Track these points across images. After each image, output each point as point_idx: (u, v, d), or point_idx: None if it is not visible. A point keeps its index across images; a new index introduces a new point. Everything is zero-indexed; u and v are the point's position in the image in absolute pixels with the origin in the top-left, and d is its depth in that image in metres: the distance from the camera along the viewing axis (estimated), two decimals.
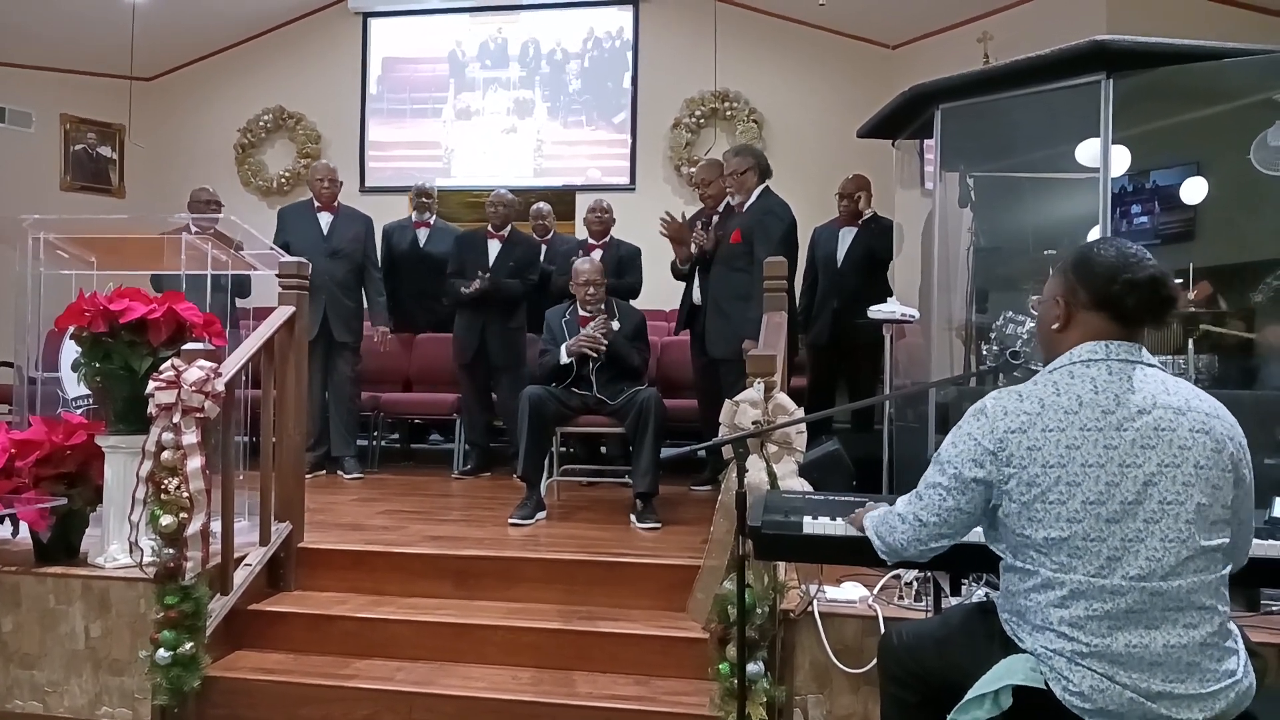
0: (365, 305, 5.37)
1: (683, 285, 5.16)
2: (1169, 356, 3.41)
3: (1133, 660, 1.50)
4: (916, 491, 1.75)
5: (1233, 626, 1.60)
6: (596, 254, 5.21)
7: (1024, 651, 1.60)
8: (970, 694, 1.60)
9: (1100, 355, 1.62)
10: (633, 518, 3.89)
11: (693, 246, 4.60)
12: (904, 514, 1.75)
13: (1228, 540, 1.58)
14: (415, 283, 5.79)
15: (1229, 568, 1.60)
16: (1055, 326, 1.70)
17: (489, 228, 5.40)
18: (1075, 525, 1.54)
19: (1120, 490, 1.53)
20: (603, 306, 4.35)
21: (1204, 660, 1.51)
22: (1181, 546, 1.52)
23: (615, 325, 4.29)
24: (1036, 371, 1.72)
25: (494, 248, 5.33)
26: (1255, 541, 1.75)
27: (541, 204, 5.95)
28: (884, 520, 1.80)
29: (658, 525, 3.80)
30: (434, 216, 6.02)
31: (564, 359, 4.20)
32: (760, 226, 4.24)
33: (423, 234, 5.92)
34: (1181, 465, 1.54)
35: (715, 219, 4.71)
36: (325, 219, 5.23)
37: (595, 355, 4.18)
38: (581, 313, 4.32)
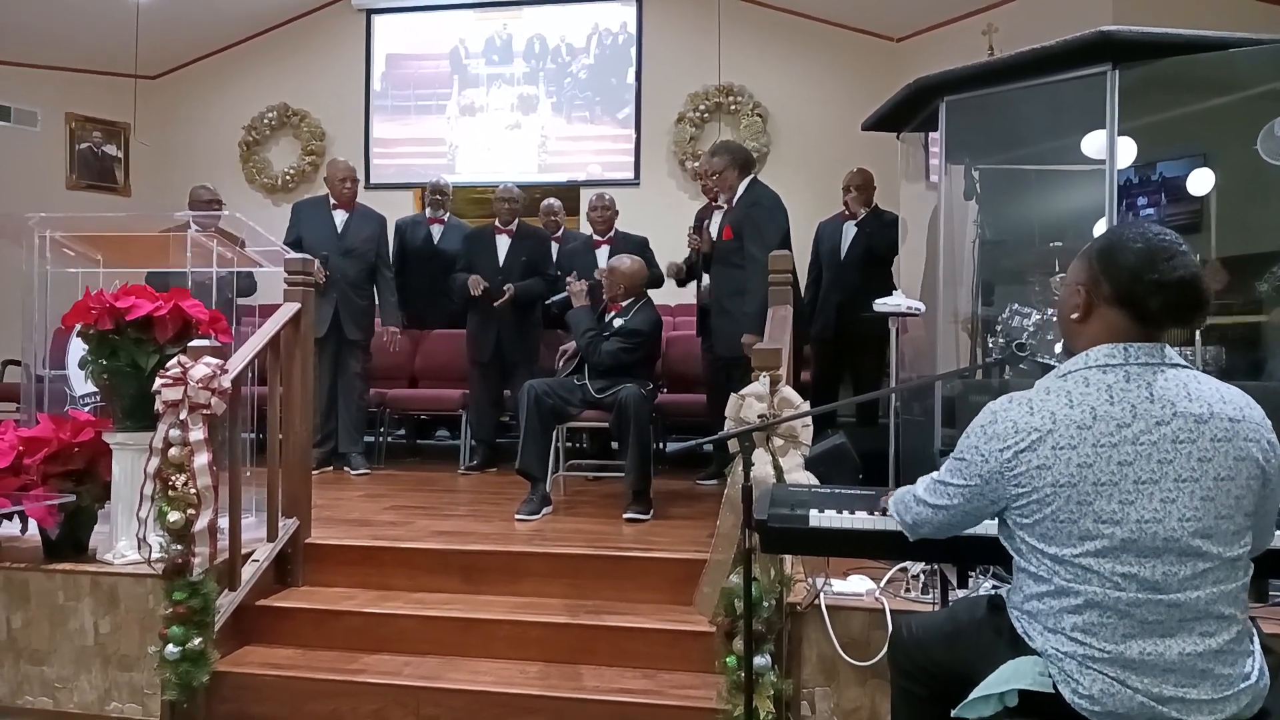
0: (376, 303, 5.37)
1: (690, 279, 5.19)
2: (1176, 349, 3.40)
3: (1146, 666, 1.47)
4: (933, 480, 1.73)
5: (1251, 630, 1.56)
6: (605, 249, 5.25)
7: (1033, 649, 1.58)
8: (975, 693, 1.59)
9: (1118, 360, 1.55)
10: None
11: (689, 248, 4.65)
12: (920, 497, 1.75)
13: (1249, 547, 1.53)
14: (427, 279, 5.78)
15: (1250, 572, 1.55)
16: (1074, 316, 1.62)
17: (496, 223, 5.40)
18: (1088, 543, 1.50)
19: (1135, 508, 1.48)
20: (621, 302, 4.39)
21: (1218, 666, 1.48)
22: (1200, 560, 1.47)
23: (618, 322, 4.29)
24: (1042, 364, 1.69)
25: (503, 244, 5.33)
26: None
27: (552, 200, 5.94)
28: (902, 498, 1.81)
29: (642, 517, 3.80)
30: (448, 214, 6.02)
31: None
32: (748, 220, 4.24)
33: (436, 230, 5.93)
34: (1200, 479, 1.48)
35: (709, 220, 4.72)
36: (340, 217, 5.23)
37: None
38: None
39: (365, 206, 5.42)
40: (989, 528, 1.76)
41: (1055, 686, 1.53)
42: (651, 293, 4.64)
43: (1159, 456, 1.49)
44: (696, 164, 7.54)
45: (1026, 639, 1.60)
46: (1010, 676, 1.57)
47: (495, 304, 5.11)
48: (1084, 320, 1.61)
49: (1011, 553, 1.65)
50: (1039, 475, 1.53)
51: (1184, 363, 1.58)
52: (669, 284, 5.42)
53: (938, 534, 1.76)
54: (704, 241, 4.60)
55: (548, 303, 5.21)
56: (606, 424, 4.21)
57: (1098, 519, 1.49)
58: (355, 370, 5.20)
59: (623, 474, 4.07)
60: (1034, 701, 1.55)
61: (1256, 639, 1.57)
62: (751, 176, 4.41)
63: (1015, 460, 1.55)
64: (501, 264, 5.27)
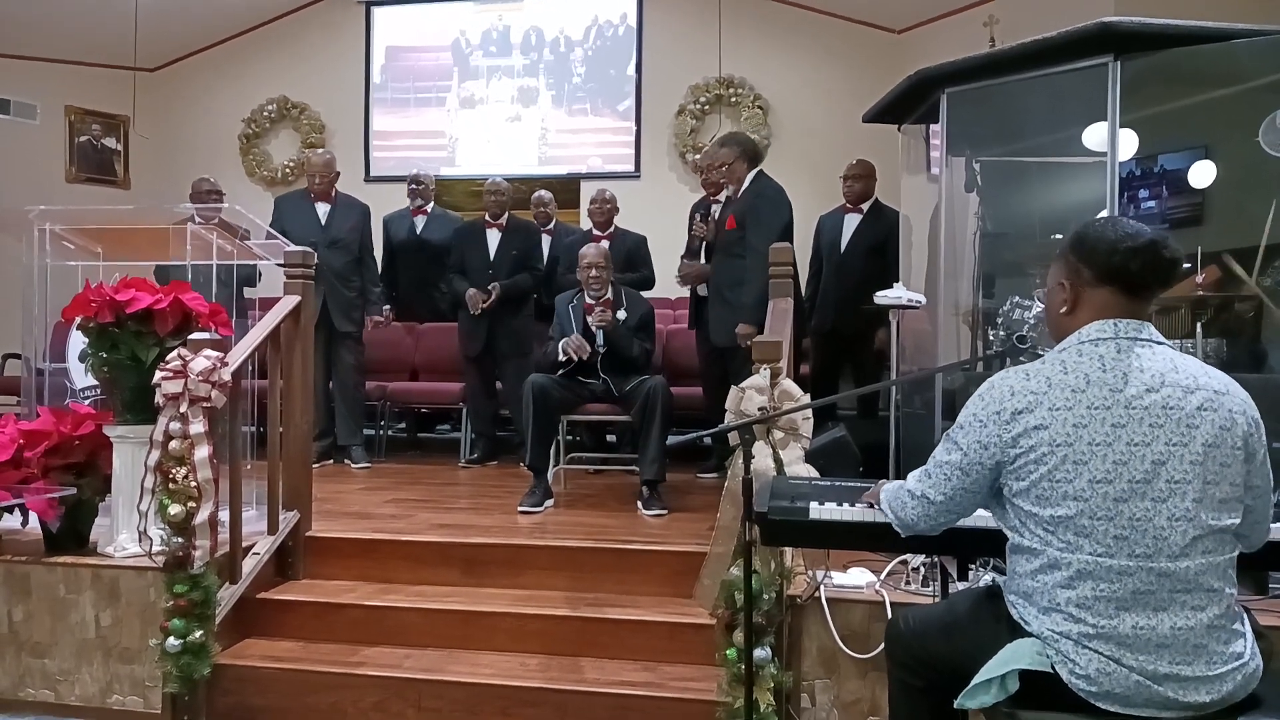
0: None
1: None
2: (1178, 341, 3.40)
3: (1139, 642, 1.50)
4: (926, 468, 1.75)
5: (1240, 609, 1.59)
6: (604, 244, 5.22)
7: (1030, 634, 1.60)
8: (977, 678, 1.60)
9: (1108, 334, 1.61)
10: (639, 505, 3.89)
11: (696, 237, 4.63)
12: (914, 490, 1.77)
13: (1238, 520, 1.57)
14: (414, 271, 5.77)
15: (1238, 549, 1.59)
16: (1064, 310, 1.69)
17: (486, 217, 5.39)
18: (1082, 504, 1.54)
19: (1128, 469, 1.53)
20: (609, 294, 4.31)
21: (1211, 642, 1.51)
22: (1189, 526, 1.51)
23: (622, 315, 4.27)
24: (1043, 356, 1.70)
25: (493, 237, 5.32)
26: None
27: (543, 192, 5.94)
28: (896, 495, 1.82)
29: (664, 511, 3.81)
30: (430, 204, 6.01)
31: (561, 356, 4.20)
32: (752, 211, 4.23)
33: (420, 221, 5.91)
34: (1189, 444, 1.53)
35: (714, 209, 4.70)
36: (323, 209, 5.21)
37: (582, 359, 4.16)
38: (587, 299, 4.31)
39: (347, 196, 5.40)
40: (989, 520, 1.76)
41: (1053, 667, 1.55)
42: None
43: (1150, 421, 1.54)
44: (697, 157, 7.54)
45: (1023, 623, 1.62)
46: (1009, 659, 1.59)
47: (483, 306, 5.09)
48: (1073, 310, 1.68)
49: (1006, 530, 1.68)
50: (1036, 434, 1.58)
51: (1167, 342, 1.65)
52: (669, 275, 5.41)
53: (933, 526, 1.77)
54: (709, 230, 4.59)
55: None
56: (614, 417, 4.19)
57: (1092, 479, 1.54)
58: (349, 362, 5.19)
59: (623, 467, 4.07)
60: (1034, 686, 1.57)
61: (1246, 621, 1.60)
62: (758, 168, 4.40)
63: (1013, 421, 1.61)
64: (492, 258, 5.26)
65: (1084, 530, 1.54)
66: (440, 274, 5.94)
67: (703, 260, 4.80)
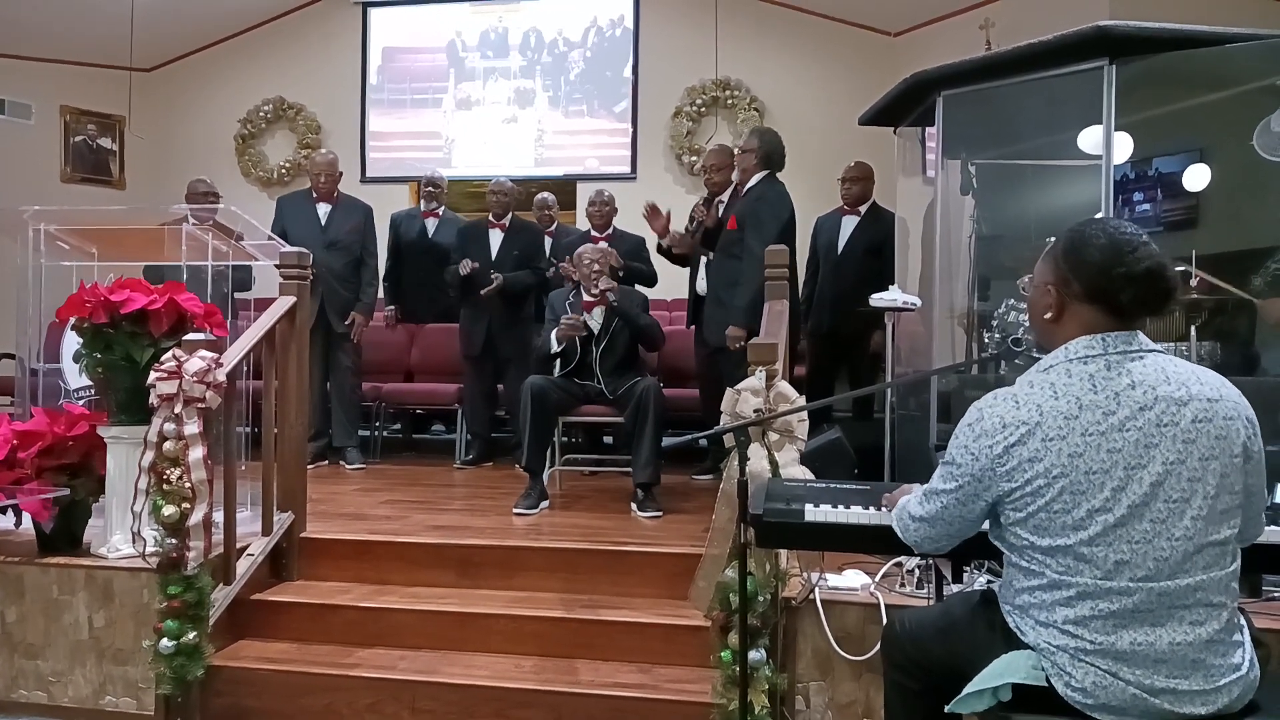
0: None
1: (685, 273, 5.16)
2: (1171, 344, 3.40)
3: (1137, 657, 1.49)
4: (925, 493, 1.73)
5: (1240, 619, 1.57)
6: (603, 245, 5.24)
7: (1026, 644, 1.59)
8: (969, 688, 1.59)
9: (1097, 350, 1.57)
10: (634, 506, 3.89)
11: (689, 228, 4.63)
12: (915, 515, 1.75)
13: (1237, 530, 1.55)
14: (421, 272, 5.76)
15: (1239, 560, 1.56)
16: (1048, 316, 1.64)
17: (489, 217, 5.39)
18: (1081, 533, 1.51)
19: (1126, 494, 1.50)
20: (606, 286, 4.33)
21: (1209, 656, 1.49)
22: (1189, 543, 1.49)
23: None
24: (1038, 359, 1.69)
25: (496, 238, 5.32)
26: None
27: (546, 194, 5.95)
28: (900, 518, 1.80)
29: (659, 514, 3.81)
30: (442, 207, 6.00)
31: (554, 347, 4.20)
32: (753, 214, 4.24)
33: (431, 224, 5.88)
34: (1186, 460, 1.50)
35: (722, 203, 4.69)
36: (324, 210, 5.19)
37: (586, 332, 4.16)
38: (586, 297, 4.31)
39: (349, 197, 5.39)
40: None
41: (1048, 680, 1.55)
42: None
43: (1145, 441, 1.51)
44: (693, 158, 7.54)
45: (1019, 634, 1.61)
46: (1003, 671, 1.58)
47: (481, 293, 5.10)
48: (1058, 320, 1.64)
49: (1003, 549, 1.66)
50: (1030, 467, 1.54)
51: (1158, 348, 1.61)
52: (665, 276, 5.42)
53: (938, 548, 1.75)
54: (710, 218, 4.58)
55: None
56: (609, 419, 4.18)
57: (1091, 508, 1.51)
58: (346, 364, 5.18)
59: (618, 468, 4.06)
60: (1027, 696, 1.56)
61: (1246, 630, 1.58)
62: (768, 172, 4.40)
63: (1006, 455, 1.57)
64: (494, 258, 5.26)
65: (1084, 556, 1.51)
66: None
67: (699, 258, 4.80)
